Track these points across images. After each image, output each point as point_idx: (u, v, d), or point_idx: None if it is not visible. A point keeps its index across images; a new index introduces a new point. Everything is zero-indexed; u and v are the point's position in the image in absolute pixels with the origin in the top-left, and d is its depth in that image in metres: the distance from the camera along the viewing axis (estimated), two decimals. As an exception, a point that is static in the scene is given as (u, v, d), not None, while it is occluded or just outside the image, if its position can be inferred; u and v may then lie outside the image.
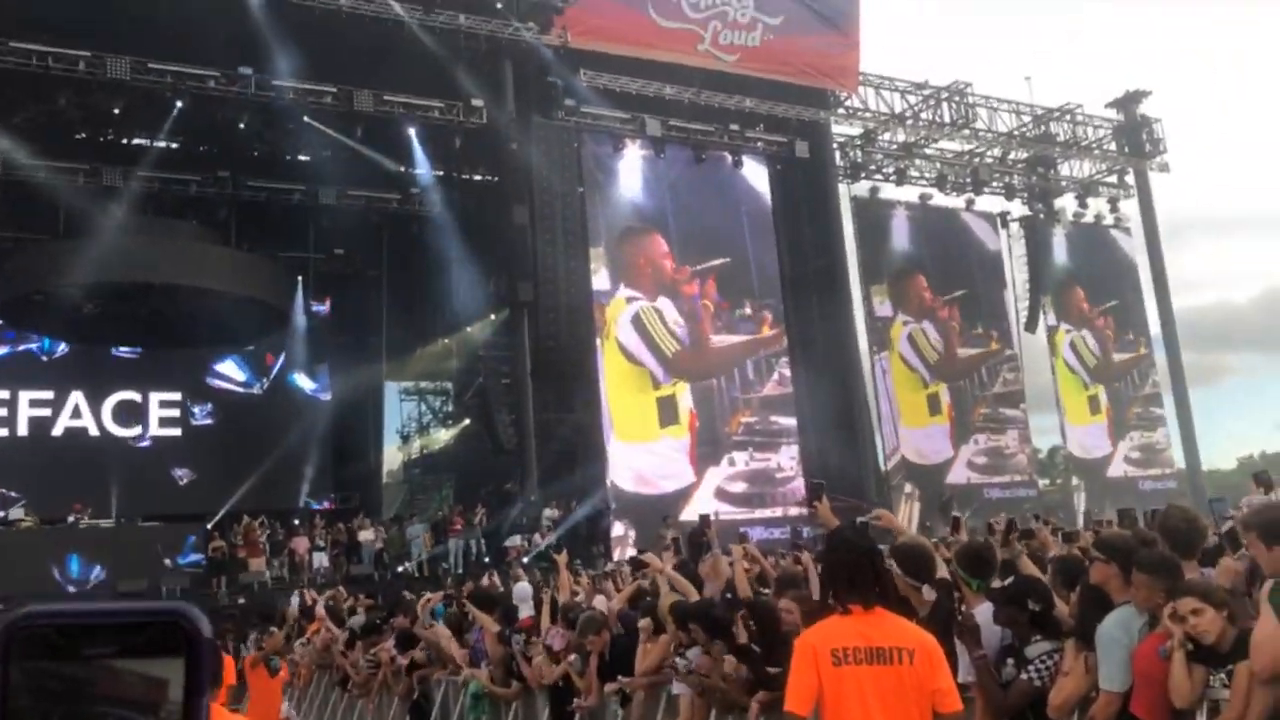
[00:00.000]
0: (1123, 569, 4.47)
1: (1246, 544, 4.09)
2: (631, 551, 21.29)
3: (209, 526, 25.16)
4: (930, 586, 4.93)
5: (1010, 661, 4.67)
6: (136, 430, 28.70)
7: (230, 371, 30.01)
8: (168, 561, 21.40)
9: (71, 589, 21.05)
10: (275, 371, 30.44)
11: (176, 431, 29.11)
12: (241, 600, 20.93)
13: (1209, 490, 39.45)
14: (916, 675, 3.65)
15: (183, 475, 28.28)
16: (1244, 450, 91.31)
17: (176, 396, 29.31)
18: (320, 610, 12.66)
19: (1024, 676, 4.60)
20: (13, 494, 25.79)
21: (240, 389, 29.96)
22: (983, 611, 4.85)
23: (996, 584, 5.02)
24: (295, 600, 16.04)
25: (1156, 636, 4.21)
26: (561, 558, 9.08)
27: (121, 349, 28.87)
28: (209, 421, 29.35)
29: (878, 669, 3.64)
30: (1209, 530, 4.91)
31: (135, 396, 28.94)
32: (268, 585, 22.10)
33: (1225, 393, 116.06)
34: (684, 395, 28.31)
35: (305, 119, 26.47)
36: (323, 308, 30.94)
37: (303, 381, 30.74)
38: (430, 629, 9.61)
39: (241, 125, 25.93)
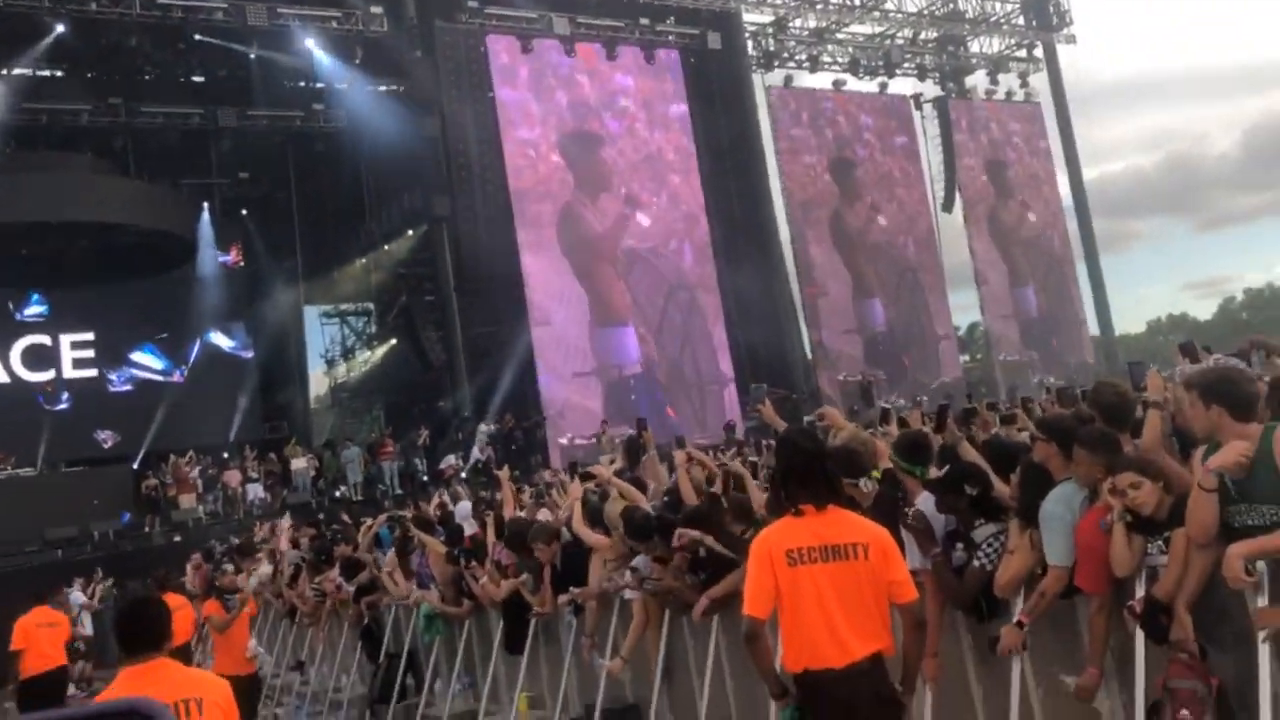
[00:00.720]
0: (1062, 447, 4.55)
1: (1188, 403, 4.15)
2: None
3: (134, 467, 24.71)
4: (868, 480, 4.97)
5: (959, 546, 4.75)
6: (49, 374, 27.75)
7: (147, 361, 28.82)
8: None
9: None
10: (194, 354, 29.20)
11: (92, 372, 28.17)
12: (177, 538, 20.63)
13: (1121, 355, 40.94)
14: (871, 569, 3.70)
15: (105, 438, 27.44)
16: (1152, 314, 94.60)
17: (89, 337, 28.32)
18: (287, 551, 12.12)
19: (975, 563, 4.70)
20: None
21: (159, 377, 28.83)
22: (925, 500, 4.92)
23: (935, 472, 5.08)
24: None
25: (1097, 510, 4.31)
26: (504, 473, 9.06)
27: (27, 313, 27.55)
28: (128, 388, 28.38)
29: (834, 566, 3.67)
30: (1137, 401, 5.00)
31: (45, 339, 27.93)
32: (202, 521, 21.80)
33: (1134, 257, 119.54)
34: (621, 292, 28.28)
35: (197, 37, 25.32)
36: (228, 258, 29.73)
37: (221, 340, 29.55)
38: (373, 557, 9.58)
39: (129, 47, 24.63)
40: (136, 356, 28.43)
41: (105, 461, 25.12)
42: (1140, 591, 4.16)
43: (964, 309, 40.02)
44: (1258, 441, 3.82)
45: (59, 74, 26.77)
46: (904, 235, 35.48)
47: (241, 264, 29.79)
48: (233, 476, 23.12)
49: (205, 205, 28.92)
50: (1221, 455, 3.85)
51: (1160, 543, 4.14)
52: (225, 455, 24.45)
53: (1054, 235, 39.41)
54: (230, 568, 11.05)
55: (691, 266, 30.01)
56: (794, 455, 3.85)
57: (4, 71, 26.59)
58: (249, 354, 29.61)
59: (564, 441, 25.57)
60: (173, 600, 9.57)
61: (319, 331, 36.17)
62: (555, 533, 7.29)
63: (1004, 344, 36.55)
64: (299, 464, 23.88)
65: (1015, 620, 4.48)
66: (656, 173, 29.98)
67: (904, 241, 35.46)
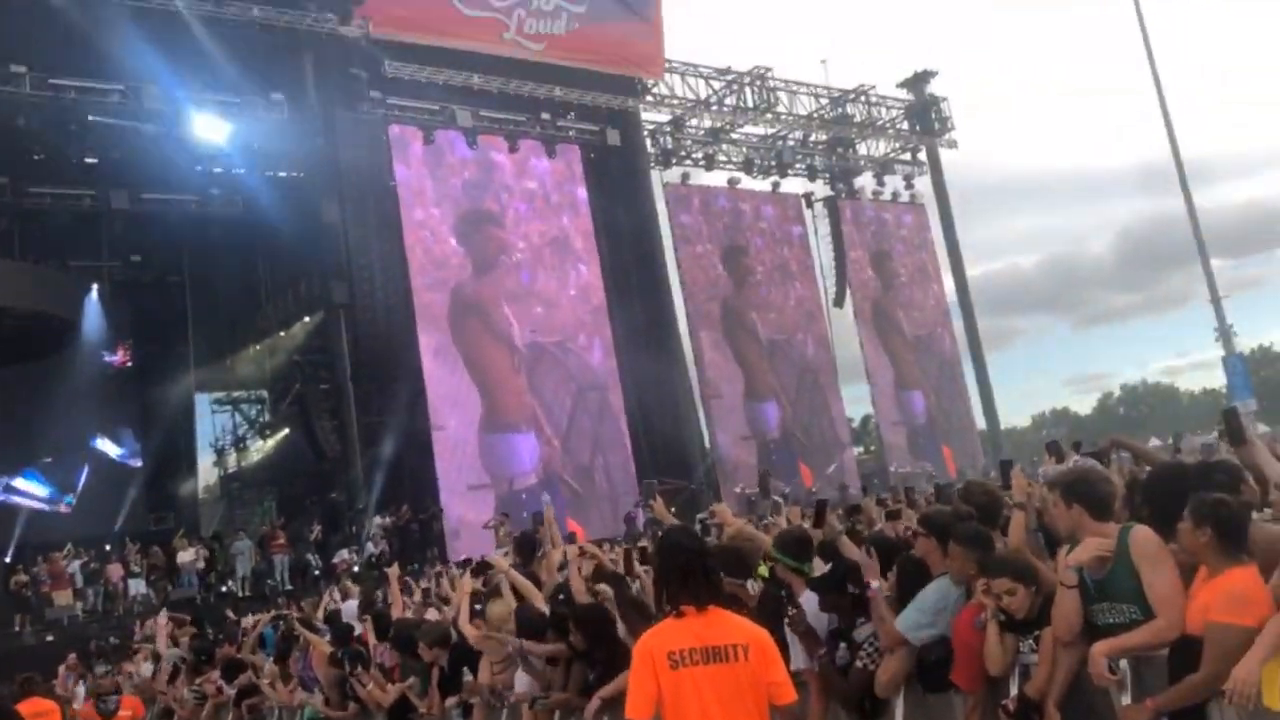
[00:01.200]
0: (941, 543, 4.72)
1: (1051, 503, 4.34)
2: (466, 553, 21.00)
3: (7, 560, 23.49)
4: (754, 581, 5.05)
5: (842, 645, 4.85)
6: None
7: (30, 488, 27.48)
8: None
9: None
10: (81, 479, 27.80)
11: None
12: (50, 638, 19.56)
13: (1007, 448, 42.25)
14: (752, 670, 3.73)
15: None
16: (1036, 408, 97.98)
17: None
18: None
19: (858, 664, 4.79)
20: None
21: (44, 505, 27.41)
22: (808, 599, 5.02)
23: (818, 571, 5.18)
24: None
25: (972, 609, 4.46)
26: (393, 571, 8.88)
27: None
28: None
29: (714, 668, 3.69)
30: (1005, 501, 5.21)
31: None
32: (79, 619, 20.74)
33: (1017, 353, 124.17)
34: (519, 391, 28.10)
35: (90, 117, 24.91)
36: (115, 358, 28.88)
37: (108, 447, 28.41)
38: (255, 659, 9.25)
39: (17, 127, 24.08)
40: (19, 483, 26.85)
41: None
42: (1014, 689, 4.29)
43: (857, 401, 40.96)
44: (1115, 540, 4.01)
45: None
46: (801, 332, 36.20)
47: (129, 364, 28.95)
48: (114, 571, 22.07)
49: (94, 287, 28.11)
50: (1079, 551, 4.04)
51: (1031, 641, 4.29)
52: (107, 548, 23.37)
53: (942, 333, 40.76)
54: (103, 668, 10.51)
55: (599, 363, 29.94)
56: (675, 555, 3.89)
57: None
58: (137, 462, 28.55)
59: (458, 543, 25.00)
60: (38, 705, 9.07)
61: (210, 419, 35.28)
62: (444, 635, 7.18)
63: (895, 453, 37.26)
64: (186, 556, 22.91)
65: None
66: (558, 260, 30.18)
67: (802, 338, 36.16)
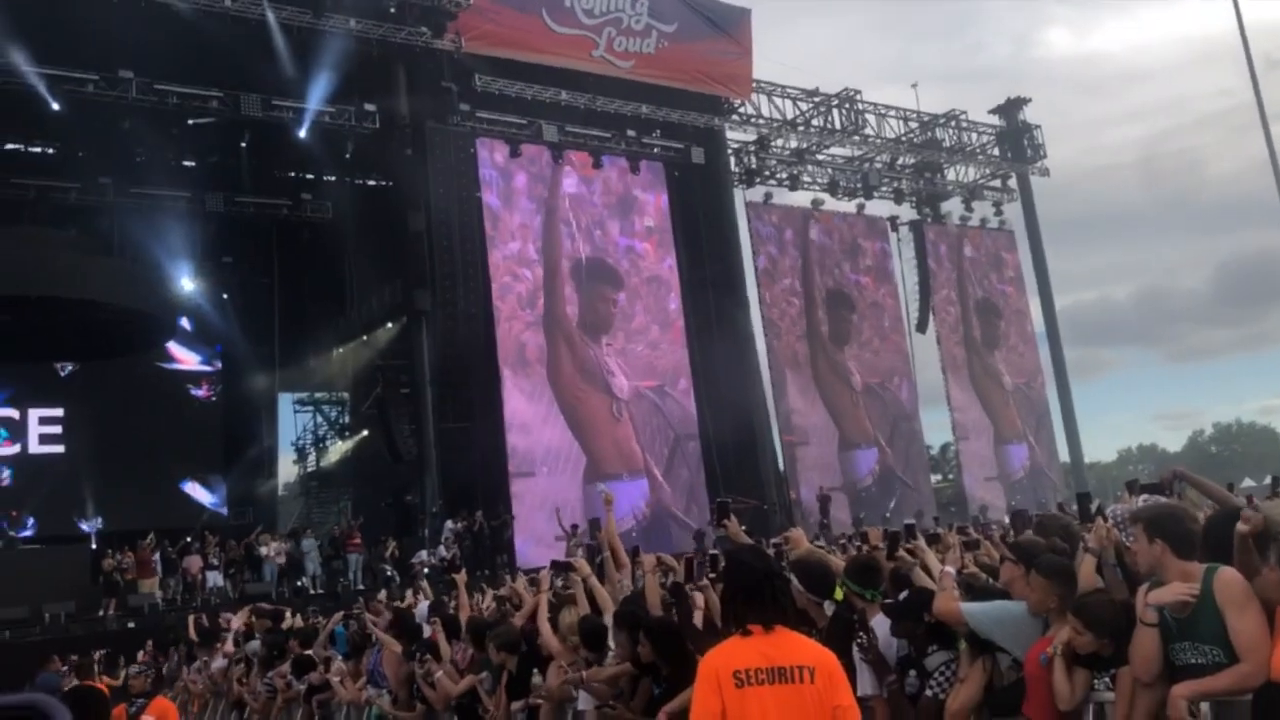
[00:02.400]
0: (1027, 571, 4.66)
1: (1134, 538, 4.24)
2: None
3: (94, 547, 24.26)
4: (830, 601, 5.01)
5: (912, 673, 4.78)
6: (15, 449, 27.45)
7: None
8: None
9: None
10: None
11: (59, 449, 27.90)
12: (131, 624, 20.14)
13: (1091, 482, 41.25)
14: (817, 693, 3.70)
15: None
16: (1122, 442, 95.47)
17: (59, 413, 28.09)
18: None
19: (928, 693, 4.73)
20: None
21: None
22: (879, 623, 4.96)
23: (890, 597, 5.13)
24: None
25: (1044, 641, 4.37)
26: (460, 576, 8.97)
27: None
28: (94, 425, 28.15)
29: (780, 689, 3.67)
30: (1082, 537, 5.09)
31: (13, 413, 27.70)
32: (159, 607, 21.31)
33: (1105, 386, 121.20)
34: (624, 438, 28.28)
35: (190, 123, 25.74)
36: (200, 392, 30.36)
37: (200, 494, 29.74)
38: (325, 656, 9.42)
39: (123, 129, 25.01)
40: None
41: (63, 540, 24.67)
42: (1089, 729, 4.19)
43: (936, 428, 40.39)
44: (1199, 580, 3.90)
45: (50, 151, 27.08)
46: (898, 376, 35.84)
47: (213, 399, 29.88)
48: (194, 563, 22.67)
49: (187, 288, 29.06)
50: (1163, 592, 3.93)
51: (1107, 678, 4.18)
52: (188, 540, 24.02)
53: (1026, 362, 39.98)
54: (136, 669, 10.51)
55: (685, 397, 30.00)
56: (743, 574, 3.87)
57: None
58: (224, 510, 29.55)
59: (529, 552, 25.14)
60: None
61: (291, 419, 36.05)
62: (515, 641, 7.23)
63: (972, 478, 36.70)
64: (267, 551, 23.38)
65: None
66: (649, 292, 30.33)
67: (897, 383, 35.80)
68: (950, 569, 4.85)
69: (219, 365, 30.44)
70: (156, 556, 22.37)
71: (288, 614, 13.20)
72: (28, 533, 25.63)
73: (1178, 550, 3.97)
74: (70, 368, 27.99)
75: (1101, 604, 4.18)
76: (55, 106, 23.81)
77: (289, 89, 25.53)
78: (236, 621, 12.87)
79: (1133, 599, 4.35)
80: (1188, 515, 4.25)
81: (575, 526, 24.03)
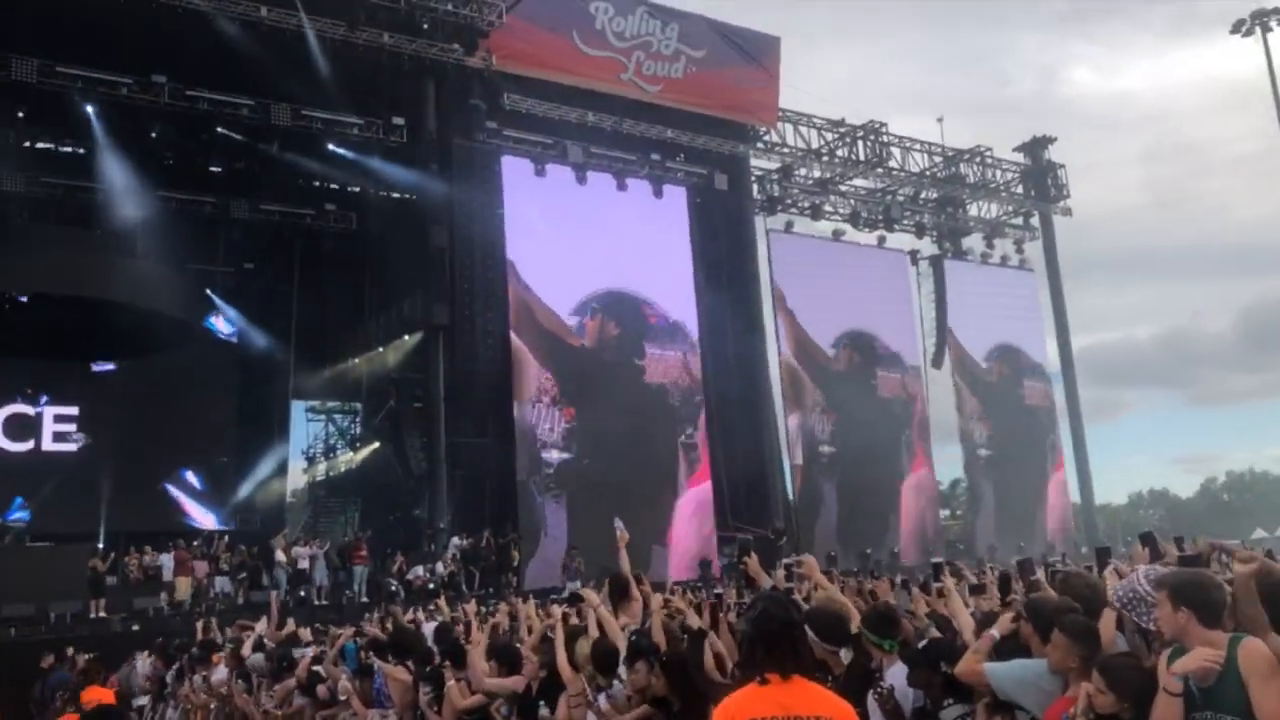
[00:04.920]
0: (1040, 630, 4.62)
1: (1157, 603, 4.20)
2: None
3: (100, 545, 24.31)
4: (847, 649, 4.99)
5: (926, 725, 4.75)
6: (28, 446, 27.58)
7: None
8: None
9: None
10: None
11: (71, 447, 28.02)
12: (135, 627, 20.16)
13: (1100, 525, 40.97)
14: (834, 744, 3.68)
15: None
16: (1136, 485, 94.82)
17: (74, 411, 28.23)
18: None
19: (943, 746, 4.70)
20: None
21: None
22: (896, 672, 4.93)
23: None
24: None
25: (1064, 701, 4.33)
26: (469, 606, 8.88)
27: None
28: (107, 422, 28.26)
29: (795, 739, 3.66)
30: (1104, 592, 5.05)
31: (29, 410, 27.83)
32: (164, 612, 21.32)
33: (1124, 428, 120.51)
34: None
35: (219, 130, 25.96)
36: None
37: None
38: (338, 672, 9.38)
39: (154, 134, 25.21)
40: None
41: (70, 539, 24.70)
42: (1106, 791, 4.14)
43: (946, 463, 40.21)
44: (1224, 649, 3.86)
45: (81, 151, 27.31)
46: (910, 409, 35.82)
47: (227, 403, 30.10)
48: (200, 567, 22.68)
49: (208, 292, 29.23)
50: (1189, 660, 3.88)
51: (1127, 743, 4.14)
52: (195, 543, 24.04)
53: (1041, 402, 39.81)
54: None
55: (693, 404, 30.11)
56: (767, 623, 3.86)
57: (30, 145, 27.27)
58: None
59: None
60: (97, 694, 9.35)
61: (303, 427, 36.16)
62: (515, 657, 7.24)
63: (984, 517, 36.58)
64: (281, 557, 23.13)
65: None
66: (658, 304, 30.35)
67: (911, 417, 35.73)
68: (995, 632, 4.76)
69: (234, 369, 30.52)
70: (164, 560, 22.38)
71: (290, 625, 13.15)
72: (16, 514, 25.50)
73: (1203, 619, 3.93)
74: (108, 366, 28.15)
75: (1127, 667, 4.14)
76: (89, 109, 24.03)
77: (319, 100, 25.73)
78: (261, 626, 12.85)
79: (1154, 663, 4.32)
80: (1214, 583, 4.21)
81: (574, 548, 24.09)
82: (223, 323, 29.94)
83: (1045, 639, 4.55)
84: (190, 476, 28.52)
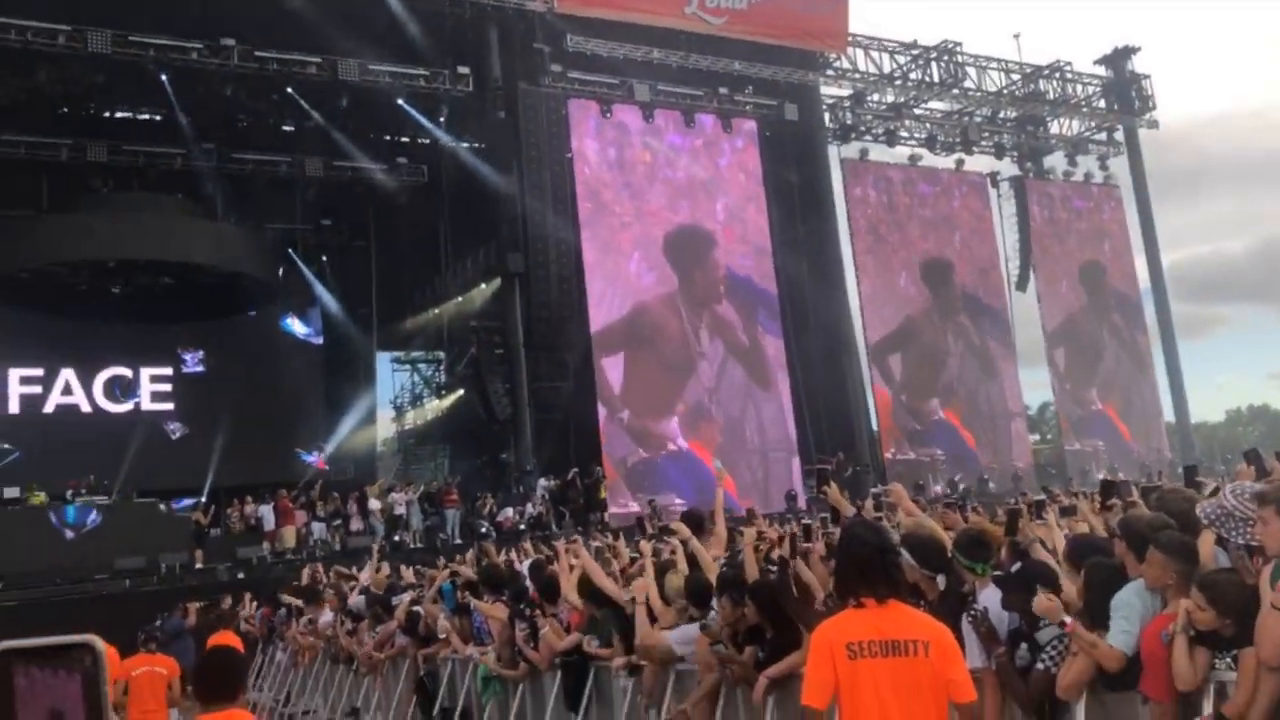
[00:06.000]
0: (1134, 549, 4.56)
1: (1261, 518, 4.11)
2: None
3: (203, 499, 25.22)
4: (943, 575, 4.98)
5: (1024, 646, 4.74)
6: (129, 406, 28.64)
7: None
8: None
9: (69, 534, 21.04)
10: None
11: (169, 405, 29.07)
12: (241, 575, 20.94)
13: (1197, 443, 40.01)
14: (931, 666, 3.69)
15: (175, 429, 28.27)
16: (1232, 403, 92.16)
17: (168, 371, 29.21)
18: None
19: (1040, 666, 4.68)
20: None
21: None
22: (990, 595, 4.92)
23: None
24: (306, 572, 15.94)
25: (1163, 618, 4.29)
26: (560, 544, 9.05)
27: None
28: (200, 369, 29.25)
29: (893, 661, 3.67)
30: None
31: (126, 372, 28.85)
32: (267, 560, 22.09)
33: (1219, 344, 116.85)
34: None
35: (289, 90, 26.26)
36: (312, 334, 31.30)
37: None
38: (437, 610, 9.66)
39: (226, 96, 25.63)
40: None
41: (171, 493, 25.66)
42: (1208, 708, 4.10)
43: (1034, 388, 39.49)
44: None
45: (157, 118, 27.89)
46: (979, 315, 35.25)
47: (316, 358, 30.92)
48: (300, 516, 23.41)
49: (289, 251, 29.86)
50: None
51: (1229, 659, 4.09)
52: (293, 493, 24.74)
53: (1132, 321, 38.81)
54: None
55: (771, 348, 29.91)
56: (856, 548, 3.87)
57: (110, 115, 27.94)
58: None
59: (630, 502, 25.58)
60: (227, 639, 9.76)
61: (389, 377, 36.91)
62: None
63: (1073, 431, 35.95)
64: (375, 504, 23.79)
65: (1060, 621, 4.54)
66: (732, 242, 30.15)
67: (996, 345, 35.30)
68: (1069, 619, 4.58)
69: (320, 324, 31.25)
70: (264, 511, 23.14)
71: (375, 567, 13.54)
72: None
73: (1313, 532, 3.85)
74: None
75: (1230, 583, 4.08)
76: (162, 76, 24.48)
77: (385, 53, 25.84)
78: (366, 575, 13.26)
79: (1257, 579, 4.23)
80: (1323, 494, 4.11)
81: (651, 501, 24.32)
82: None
83: (1140, 557, 4.50)
84: (284, 430, 29.28)
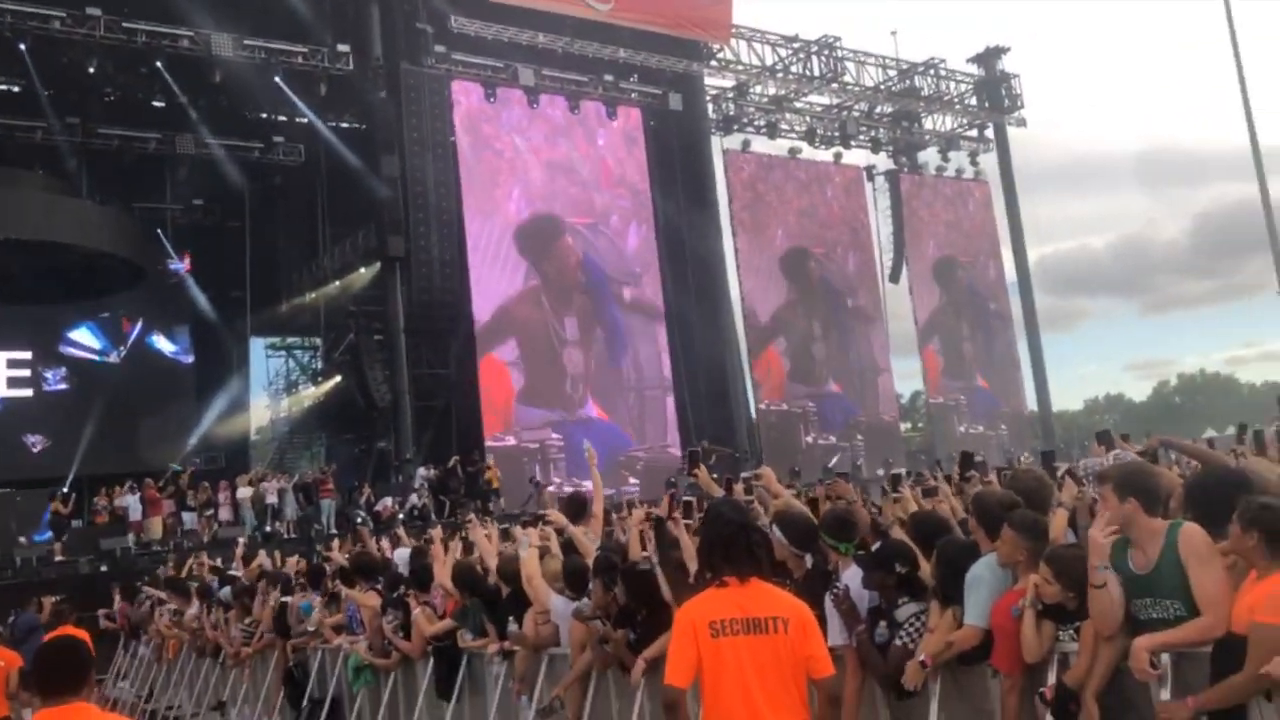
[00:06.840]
0: (985, 526, 4.74)
1: (1100, 495, 4.31)
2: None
3: (64, 490, 24.13)
4: (810, 554, 5.09)
5: (882, 624, 4.88)
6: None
7: (84, 339, 28.46)
8: (22, 539, 20.34)
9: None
10: (133, 337, 29.03)
11: (27, 392, 27.69)
12: (104, 568, 20.12)
13: (1057, 431, 41.76)
14: (791, 643, 3.76)
15: (35, 442, 26.94)
16: (1090, 392, 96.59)
17: (26, 355, 27.83)
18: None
19: (898, 642, 4.82)
20: None
21: (96, 357, 28.47)
22: (852, 575, 5.05)
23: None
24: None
25: (1013, 594, 4.47)
26: (436, 532, 8.94)
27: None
28: (63, 386, 27.93)
29: (754, 639, 3.73)
30: (1054, 489, 5.18)
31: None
32: (130, 551, 21.27)
33: (1080, 336, 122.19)
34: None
35: (159, 64, 25.26)
36: (181, 265, 29.55)
37: (163, 344, 29.56)
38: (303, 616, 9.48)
39: (91, 69, 24.50)
40: (74, 335, 28.20)
41: (33, 484, 24.53)
42: (1052, 678, 4.29)
43: (906, 378, 40.68)
44: (1163, 536, 3.98)
45: (16, 89, 26.51)
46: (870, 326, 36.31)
47: (191, 271, 29.59)
48: (167, 506, 22.59)
49: (158, 232, 28.73)
50: (1094, 530, 4.03)
51: (1072, 630, 4.28)
52: (160, 483, 23.88)
53: (998, 312, 40.25)
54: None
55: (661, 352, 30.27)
56: (720, 526, 3.93)
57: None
58: (188, 359, 29.53)
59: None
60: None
61: (264, 364, 35.88)
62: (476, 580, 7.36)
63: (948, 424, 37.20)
64: (247, 493, 23.13)
65: (919, 659, 4.62)
66: (615, 226, 30.19)
67: (870, 332, 36.26)
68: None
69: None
70: (130, 500, 22.27)
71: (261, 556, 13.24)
72: None
73: (1148, 507, 4.05)
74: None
75: (1074, 558, 4.27)
76: (20, 45, 23.28)
77: (262, 28, 25.06)
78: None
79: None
80: (1156, 472, 4.34)
81: (536, 482, 24.27)
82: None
83: (991, 534, 4.68)
84: (150, 414, 28.24)
